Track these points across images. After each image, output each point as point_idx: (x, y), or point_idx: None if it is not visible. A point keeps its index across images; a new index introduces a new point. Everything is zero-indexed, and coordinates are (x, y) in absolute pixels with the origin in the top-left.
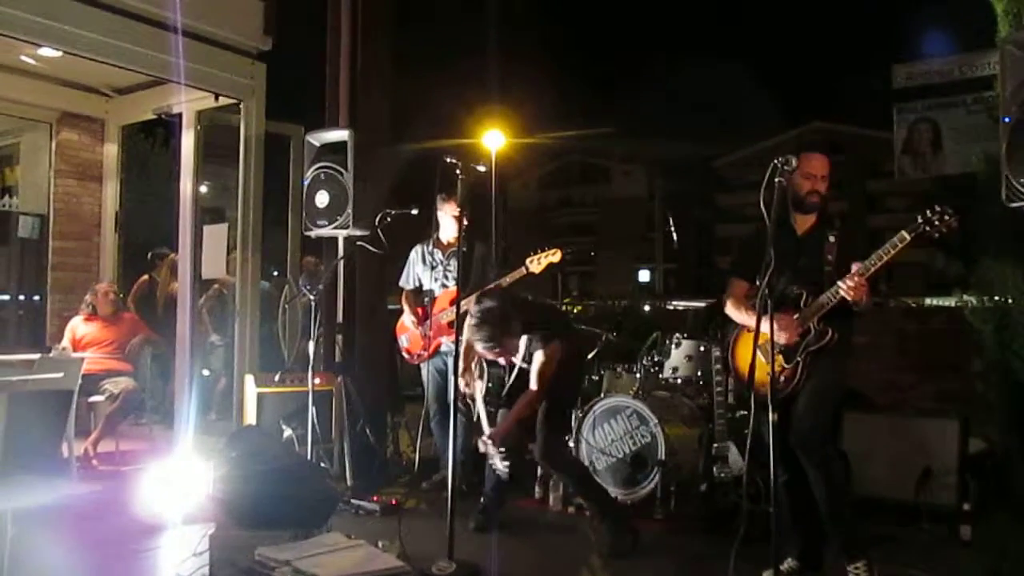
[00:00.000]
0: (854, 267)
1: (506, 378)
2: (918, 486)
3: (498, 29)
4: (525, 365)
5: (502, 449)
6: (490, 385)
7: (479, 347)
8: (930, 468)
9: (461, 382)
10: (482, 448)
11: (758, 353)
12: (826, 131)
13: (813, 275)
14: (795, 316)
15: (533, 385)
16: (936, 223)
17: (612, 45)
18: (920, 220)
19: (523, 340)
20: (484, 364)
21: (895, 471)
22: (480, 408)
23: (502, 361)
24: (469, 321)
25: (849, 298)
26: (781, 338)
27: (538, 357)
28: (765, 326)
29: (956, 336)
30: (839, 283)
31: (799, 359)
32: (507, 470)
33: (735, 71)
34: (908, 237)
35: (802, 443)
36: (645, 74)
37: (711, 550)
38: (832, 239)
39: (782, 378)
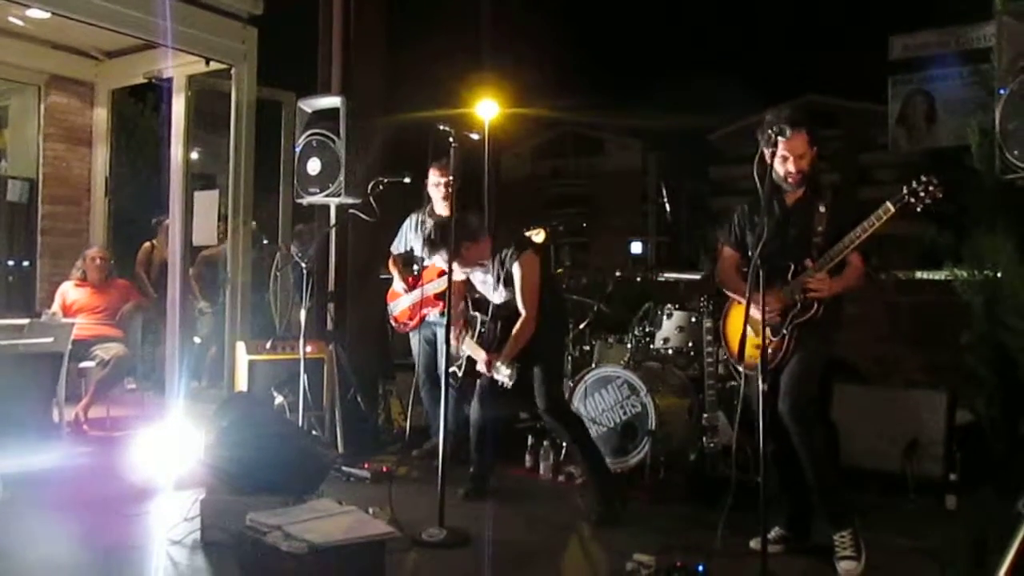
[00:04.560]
0: (810, 264)
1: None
2: (905, 457)
3: None
4: (501, 295)
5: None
6: (482, 331)
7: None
8: (917, 439)
9: (452, 334)
10: (482, 368)
11: (748, 325)
12: (820, 104)
13: (802, 246)
14: (780, 290)
15: (522, 308)
16: (921, 194)
17: (607, 16)
18: (905, 191)
19: (494, 264)
20: (471, 313)
21: (883, 442)
22: (470, 347)
23: (478, 283)
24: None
25: (815, 295)
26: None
27: (516, 271)
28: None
29: (946, 309)
30: (806, 279)
31: (786, 331)
32: (511, 379)
33: (730, 43)
34: (892, 208)
35: (788, 414)
36: (640, 46)
37: (699, 519)
38: (822, 209)
39: (769, 350)
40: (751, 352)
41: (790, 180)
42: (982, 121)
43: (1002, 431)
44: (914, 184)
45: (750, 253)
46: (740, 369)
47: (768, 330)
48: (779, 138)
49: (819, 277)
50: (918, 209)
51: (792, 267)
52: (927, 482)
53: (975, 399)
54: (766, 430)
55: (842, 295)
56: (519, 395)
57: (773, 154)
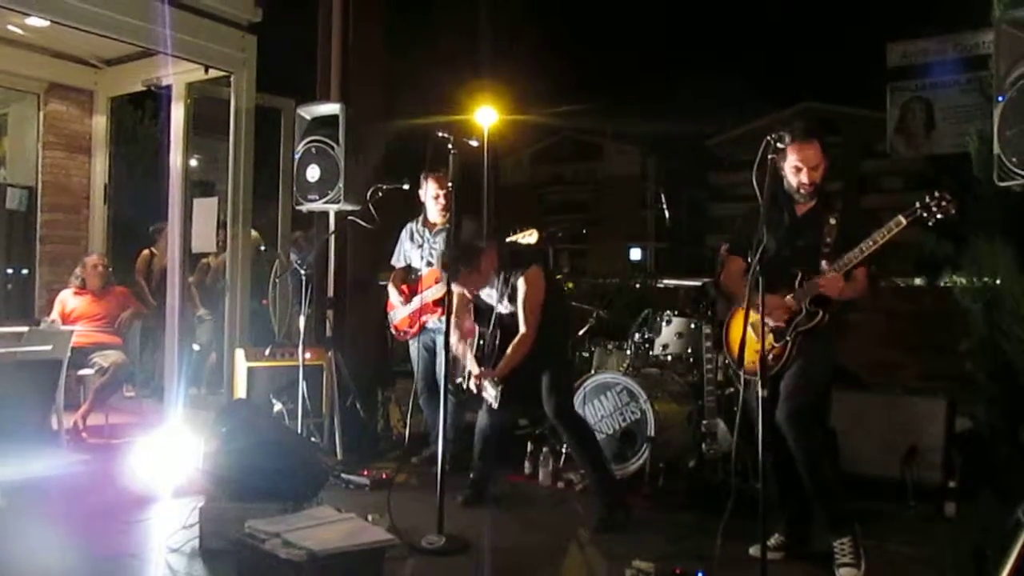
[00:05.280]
0: (824, 265)
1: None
2: (904, 464)
3: (492, 4)
4: (506, 307)
5: (494, 380)
6: (481, 343)
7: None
8: (916, 446)
9: (453, 337)
10: (472, 385)
11: (749, 331)
12: (819, 110)
13: (810, 255)
14: (787, 297)
15: (523, 324)
16: (933, 209)
17: (606, 22)
18: (918, 206)
19: (499, 281)
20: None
21: (882, 449)
22: (470, 361)
23: (483, 294)
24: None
25: (825, 293)
26: (768, 320)
27: (521, 287)
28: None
29: (945, 315)
30: (817, 279)
31: (788, 338)
32: (497, 398)
33: (729, 49)
34: (904, 222)
35: (785, 420)
36: (639, 52)
37: (699, 526)
38: (832, 221)
39: (771, 356)
40: (753, 357)
41: (803, 191)
42: (981, 128)
43: (1001, 438)
44: (927, 199)
45: (749, 259)
46: (740, 375)
47: (771, 336)
48: (779, 144)
49: (833, 276)
50: (929, 224)
51: (800, 275)
52: (926, 489)
53: (974, 406)
54: (766, 436)
55: (846, 305)
56: (527, 403)
57: (775, 160)
